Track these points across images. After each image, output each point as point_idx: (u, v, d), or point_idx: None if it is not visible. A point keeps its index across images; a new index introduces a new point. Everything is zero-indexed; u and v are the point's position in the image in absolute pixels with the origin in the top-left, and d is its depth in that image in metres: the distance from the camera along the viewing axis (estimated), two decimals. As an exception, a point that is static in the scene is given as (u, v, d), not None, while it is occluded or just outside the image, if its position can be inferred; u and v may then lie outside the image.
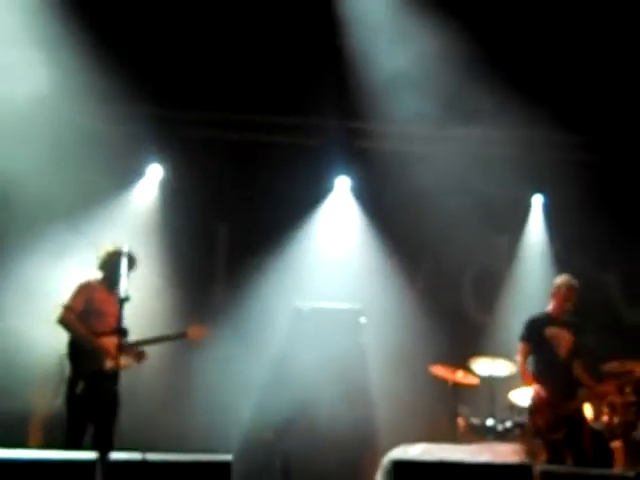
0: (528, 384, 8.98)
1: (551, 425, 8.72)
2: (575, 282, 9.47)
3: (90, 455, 6.49)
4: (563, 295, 9.27)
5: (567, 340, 9.12)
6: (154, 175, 11.49)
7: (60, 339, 8.09)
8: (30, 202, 9.96)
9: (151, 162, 11.43)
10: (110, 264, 8.17)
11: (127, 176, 11.21)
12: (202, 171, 11.16)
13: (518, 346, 9.14)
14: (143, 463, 6.67)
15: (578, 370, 9.12)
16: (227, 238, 11.70)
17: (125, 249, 8.02)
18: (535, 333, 9.10)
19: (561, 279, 9.52)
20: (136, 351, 8.27)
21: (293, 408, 9.43)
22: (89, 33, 10.00)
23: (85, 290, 8.12)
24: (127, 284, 7.65)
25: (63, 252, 9.91)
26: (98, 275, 8.24)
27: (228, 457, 6.92)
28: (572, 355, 9.07)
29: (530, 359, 9.07)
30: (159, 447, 7.52)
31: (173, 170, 11.41)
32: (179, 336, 8.71)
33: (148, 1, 10.66)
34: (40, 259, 9.91)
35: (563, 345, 9.06)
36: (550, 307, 9.28)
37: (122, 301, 7.49)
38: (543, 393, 8.75)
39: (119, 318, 7.78)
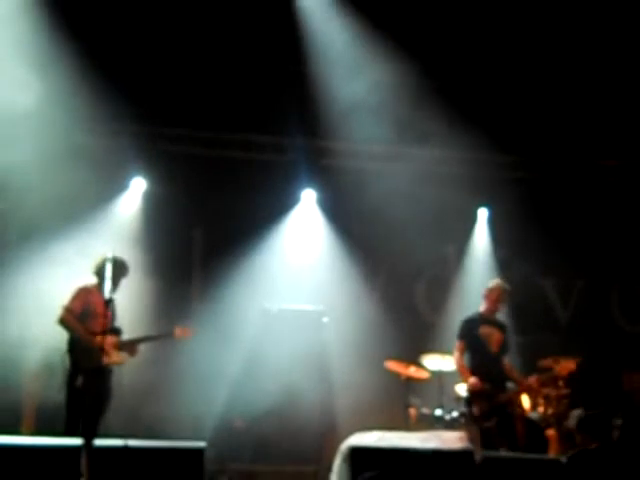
0: (465, 378, 9.03)
1: (485, 414, 8.79)
2: (506, 286, 9.57)
3: (76, 441, 6.55)
4: (495, 298, 9.37)
5: (497, 338, 9.23)
6: (138, 187, 11.37)
7: (61, 337, 8.10)
8: (24, 212, 9.92)
9: (135, 175, 11.30)
10: (104, 270, 8.01)
11: (113, 188, 11.10)
12: (181, 183, 11.06)
13: (455, 344, 9.21)
14: (125, 449, 6.74)
15: (506, 365, 9.25)
16: (203, 244, 11.63)
17: (120, 258, 8.22)
18: (469, 332, 9.18)
19: (493, 283, 9.65)
20: (129, 347, 8.33)
21: (262, 399, 9.42)
22: (79, 53, 9.99)
23: (83, 293, 8.15)
24: (114, 287, 7.77)
25: (55, 259, 9.83)
26: (94, 280, 8.22)
27: (202, 444, 6.99)
28: (501, 351, 9.19)
29: (466, 355, 9.12)
30: (141, 434, 7.64)
31: (155, 182, 11.29)
32: (166, 336, 8.78)
33: (135, 28, 10.62)
34: (36, 265, 9.84)
35: (494, 342, 9.17)
36: (482, 308, 9.37)
37: (107, 302, 7.58)
38: (478, 385, 8.82)
39: (112, 318, 8.09)
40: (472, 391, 8.89)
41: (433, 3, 11.13)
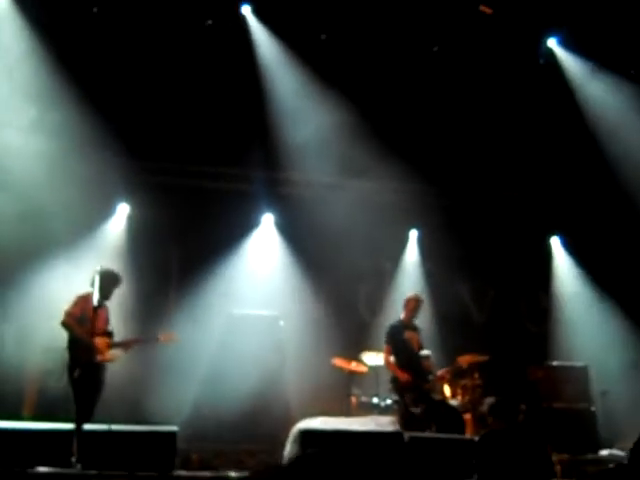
0: (396, 374, 9.08)
1: (413, 402, 8.88)
2: (421, 297, 9.77)
3: (68, 426, 6.65)
4: (412, 307, 9.49)
5: (417, 340, 9.38)
6: (123, 211, 11.36)
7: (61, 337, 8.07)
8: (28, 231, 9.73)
9: (121, 201, 11.31)
10: (104, 281, 8.03)
11: (102, 212, 11.08)
12: (160, 208, 10.90)
13: (384, 348, 9.30)
14: (109, 432, 6.85)
15: (425, 361, 9.45)
16: (178, 260, 11.61)
17: (112, 270, 8.30)
18: (395, 337, 9.28)
19: (411, 295, 9.79)
20: (120, 347, 8.28)
21: (227, 389, 9.33)
22: (79, 96, 10.13)
23: (81, 301, 8.09)
24: (107, 295, 8.14)
25: (54, 273, 9.85)
26: (90, 290, 8.07)
27: (174, 428, 7.20)
28: (419, 350, 9.37)
29: (394, 355, 9.19)
30: (126, 419, 7.88)
31: (137, 207, 11.27)
32: (152, 340, 8.70)
33: (125, 78, 10.79)
34: (38, 278, 9.88)
35: (415, 344, 9.31)
36: (403, 316, 9.48)
37: (95, 309, 7.68)
38: (405, 379, 8.96)
39: (106, 322, 8.21)
40: (402, 384, 8.98)
41: (369, 60, 11.44)
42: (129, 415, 8.77)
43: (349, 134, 11.04)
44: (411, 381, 9.01)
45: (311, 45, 11.16)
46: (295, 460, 3.31)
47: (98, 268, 8.01)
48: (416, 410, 8.85)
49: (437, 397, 9.44)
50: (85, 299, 8.09)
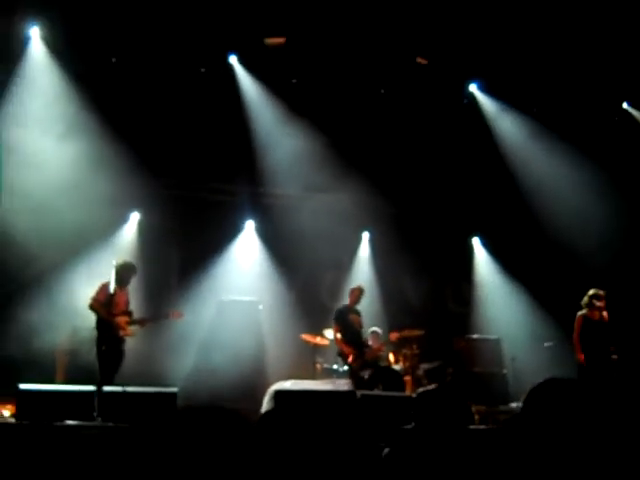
0: (343, 348, 9.31)
1: (360, 368, 9.10)
2: (363, 287, 9.94)
3: (90, 387, 6.74)
4: (356, 295, 9.70)
5: (358, 321, 9.55)
6: (135, 218, 11.31)
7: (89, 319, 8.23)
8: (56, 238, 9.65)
9: (133, 210, 11.26)
10: (121, 271, 8.30)
11: (118, 219, 11.03)
12: (165, 216, 10.88)
13: (333, 327, 9.51)
14: (124, 393, 6.96)
15: (374, 336, 9.76)
16: (179, 258, 11.52)
17: (130, 262, 8.53)
18: (341, 318, 9.48)
19: (354, 285, 10.04)
20: (138, 323, 8.43)
21: (217, 359, 9.46)
22: (101, 122, 10.21)
23: (103, 288, 8.19)
24: (127, 282, 8.33)
25: (80, 271, 9.86)
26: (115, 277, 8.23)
27: (174, 389, 7.35)
28: (361, 329, 9.56)
29: (342, 333, 9.36)
30: (137, 382, 7.74)
31: (146, 215, 11.19)
32: (164, 317, 8.88)
33: (139, 111, 10.84)
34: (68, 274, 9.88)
35: (357, 324, 9.49)
36: (348, 302, 9.69)
37: (112, 294, 7.79)
38: (348, 351, 9.20)
39: (126, 304, 8.34)
40: (349, 355, 9.21)
41: (331, 98, 11.53)
42: (141, 378, 8.52)
43: (314, 157, 11.02)
44: (354, 353, 9.16)
45: (284, 87, 11.17)
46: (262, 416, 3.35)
47: (114, 262, 8.12)
48: (364, 374, 9.00)
49: (383, 363, 9.62)
50: (105, 287, 8.20)
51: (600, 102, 11.70)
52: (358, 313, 9.67)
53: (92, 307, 8.11)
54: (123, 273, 8.31)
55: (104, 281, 8.28)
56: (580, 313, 8.84)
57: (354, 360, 9.19)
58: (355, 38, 11.01)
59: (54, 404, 6.47)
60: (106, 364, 7.88)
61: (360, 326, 9.59)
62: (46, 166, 9.56)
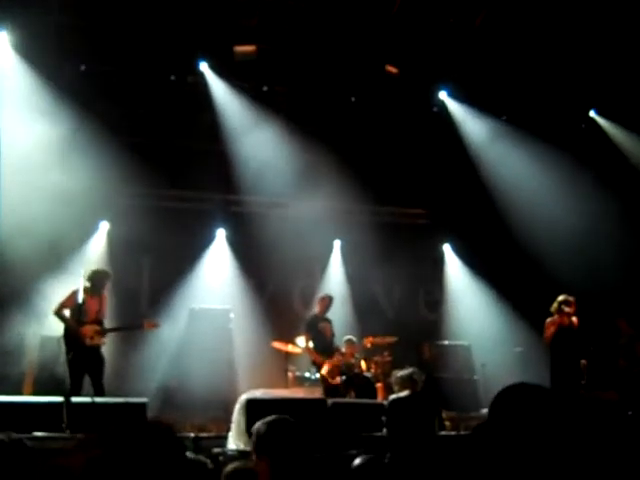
0: (314, 358, 9.38)
1: (331, 376, 9.14)
2: (331, 295, 9.98)
3: (59, 399, 6.63)
4: (324, 304, 9.80)
5: (329, 329, 9.64)
6: (104, 228, 11.28)
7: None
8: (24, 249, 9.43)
9: (102, 220, 11.22)
10: (93, 278, 8.19)
11: (87, 228, 11.00)
12: (134, 225, 10.49)
13: (304, 336, 9.57)
14: (92, 404, 6.87)
15: (349, 344, 9.69)
16: (150, 267, 11.50)
17: (102, 269, 8.47)
18: (311, 327, 9.55)
19: (322, 294, 10.13)
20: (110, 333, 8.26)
21: (188, 368, 9.38)
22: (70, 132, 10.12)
23: (74, 294, 8.01)
24: (101, 288, 8.17)
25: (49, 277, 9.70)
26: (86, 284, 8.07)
27: (144, 399, 7.27)
28: (332, 337, 9.63)
29: (312, 341, 9.44)
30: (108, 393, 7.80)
31: (115, 224, 11.12)
32: (137, 327, 8.75)
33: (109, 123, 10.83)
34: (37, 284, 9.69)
35: (328, 332, 9.57)
36: (317, 310, 9.77)
37: (81, 302, 7.74)
38: (318, 361, 9.27)
39: (98, 311, 8.15)
40: (321, 364, 9.26)
41: (303, 106, 11.63)
42: (110, 388, 8.39)
43: (286, 165, 11.04)
44: (325, 361, 9.22)
45: (256, 94, 11.17)
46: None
47: (83, 270, 8.02)
48: (335, 382, 9.01)
49: (356, 370, 9.63)
50: (74, 293, 8.01)
51: (568, 110, 11.88)
52: (328, 321, 9.72)
53: (56, 313, 7.99)
54: (95, 280, 8.19)
55: (74, 288, 8.12)
56: (549, 319, 8.96)
57: (326, 368, 9.20)
58: (326, 46, 11.13)
59: (21, 415, 6.38)
60: (74, 373, 7.67)
61: (331, 334, 9.62)
62: (13, 174, 9.47)
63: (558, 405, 2.69)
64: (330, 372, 9.17)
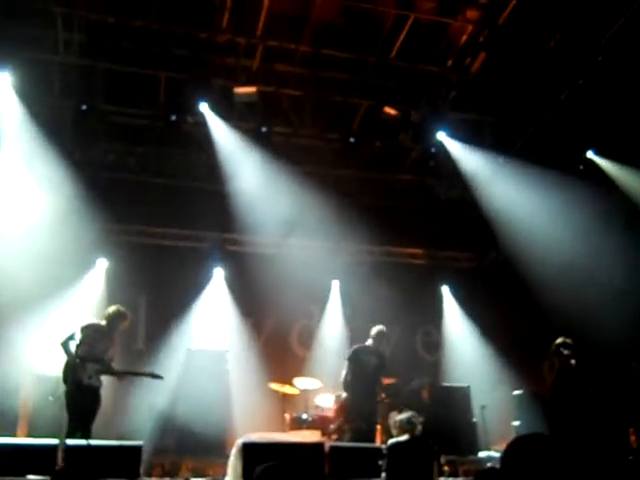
0: None
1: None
2: None
3: (53, 441, 6.61)
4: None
5: None
6: (102, 265, 11.31)
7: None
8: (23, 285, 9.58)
9: (99, 257, 11.24)
10: (108, 318, 8.09)
11: (85, 265, 11.04)
12: (131, 263, 10.83)
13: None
14: (88, 447, 6.83)
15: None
16: (146, 306, 11.52)
17: (120, 309, 8.16)
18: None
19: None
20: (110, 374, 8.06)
21: (185, 410, 9.22)
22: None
23: (85, 329, 7.85)
24: (115, 329, 8.04)
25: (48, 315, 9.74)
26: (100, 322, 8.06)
27: (140, 442, 7.19)
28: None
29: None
30: (104, 436, 7.70)
31: (113, 262, 11.17)
32: (141, 374, 8.43)
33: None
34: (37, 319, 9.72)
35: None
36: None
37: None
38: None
39: (102, 351, 7.95)
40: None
41: (299, 150, 11.79)
42: (106, 430, 8.48)
43: (284, 205, 11.20)
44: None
45: (255, 134, 11.11)
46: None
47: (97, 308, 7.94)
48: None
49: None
50: (85, 329, 7.85)
51: (566, 148, 12.01)
52: None
53: (63, 344, 7.74)
54: (110, 319, 8.09)
55: (86, 323, 8.01)
56: (547, 361, 8.95)
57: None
58: (325, 87, 11.38)
59: (15, 458, 6.34)
60: (72, 412, 7.51)
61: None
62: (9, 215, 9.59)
63: (568, 458, 2.72)
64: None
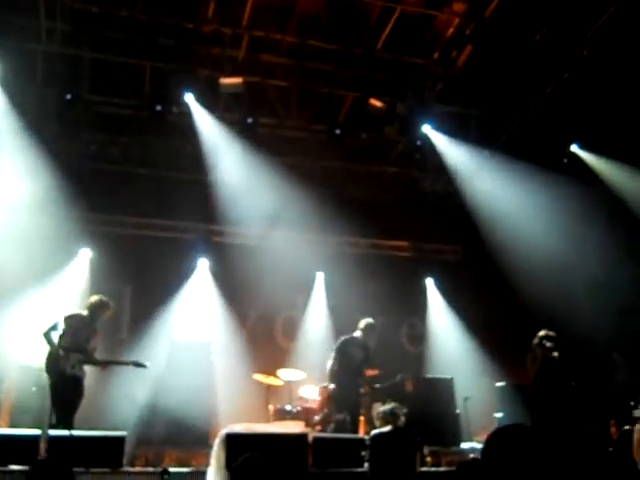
0: None
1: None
2: None
3: (36, 431, 6.60)
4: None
5: None
6: (85, 255, 11.21)
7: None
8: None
9: (83, 247, 11.15)
10: (91, 308, 8.09)
11: (68, 255, 10.96)
12: (115, 253, 10.79)
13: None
14: (70, 437, 6.86)
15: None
16: (131, 297, 11.47)
17: (103, 299, 8.17)
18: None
19: None
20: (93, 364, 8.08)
21: (170, 401, 9.06)
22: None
23: (68, 319, 7.88)
24: (97, 319, 8.07)
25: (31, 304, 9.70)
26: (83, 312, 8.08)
27: (123, 433, 7.24)
28: None
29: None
30: (87, 426, 7.64)
31: (97, 252, 11.10)
32: (125, 364, 8.42)
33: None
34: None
35: None
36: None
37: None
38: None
39: (84, 341, 7.97)
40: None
41: (286, 143, 11.81)
42: (89, 421, 8.30)
43: (269, 196, 11.22)
44: None
45: (240, 125, 11.14)
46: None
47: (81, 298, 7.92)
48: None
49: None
50: (68, 319, 7.88)
51: (551, 142, 12.08)
52: None
53: (45, 335, 7.74)
54: (93, 310, 8.10)
55: (69, 313, 8.02)
56: (531, 354, 9.03)
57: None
58: (311, 79, 11.39)
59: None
60: (56, 402, 7.46)
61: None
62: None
63: (549, 450, 2.76)
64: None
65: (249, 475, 3.54)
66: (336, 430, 8.76)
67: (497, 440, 2.90)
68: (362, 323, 9.58)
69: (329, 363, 9.26)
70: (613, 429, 9.17)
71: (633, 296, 11.41)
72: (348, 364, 9.20)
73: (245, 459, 3.65)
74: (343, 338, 9.53)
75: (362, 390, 9.40)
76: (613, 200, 11.66)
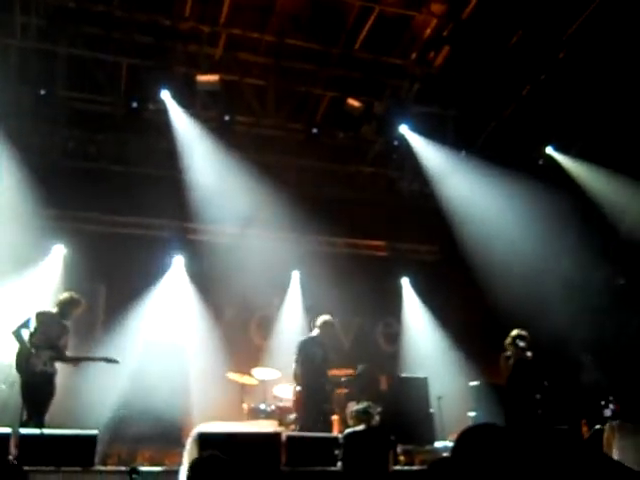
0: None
1: None
2: None
3: (6, 430, 6.55)
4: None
5: None
6: (58, 252, 11.09)
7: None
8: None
9: (56, 243, 11.04)
10: (62, 305, 8.07)
11: (41, 251, 10.82)
12: (89, 251, 10.70)
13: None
14: (42, 435, 6.81)
15: None
16: (105, 295, 11.43)
17: (73, 296, 8.15)
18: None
19: None
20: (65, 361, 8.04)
21: (142, 400, 9.03)
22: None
23: (38, 316, 7.87)
24: (67, 316, 8.02)
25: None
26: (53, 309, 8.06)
27: (95, 432, 7.18)
28: None
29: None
30: (59, 425, 7.56)
31: (71, 250, 11.00)
32: (97, 360, 8.38)
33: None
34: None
35: None
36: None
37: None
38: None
39: (55, 337, 7.93)
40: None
41: (264, 140, 11.81)
42: (61, 419, 8.18)
43: (245, 194, 11.18)
44: None
45: (217, 123, 11.15)
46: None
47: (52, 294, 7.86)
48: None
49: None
50: (38, 316, 7.86)
51: (526, 145, 12.22)
52: None
53: (14, 333, 7.70)
54: (64, 306, 8.07)
55: (39, 310, 7.98)
56: (504, 353, 9.12)
57: None
58: (290, 77, 11.41)
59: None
60: (27, 400, 7.46)
61: None
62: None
63: (520, 448, 2.80)
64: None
65: (206, 474, 3.52)
66: (308, 430, 8.69)
67: (467, 439, 2.92)
68: (319, 321, 9.57)
69: (292, 366, 9.25)
70: (584, 429, 9.31)
71: (607, 298, 11.57)
72: (310, 364, 9.19)
73: (202, 458, 3.64)
74: (302, 339, 9.54)
75: (327, 388, 9.38)
76: (587, 202, 11.80)
